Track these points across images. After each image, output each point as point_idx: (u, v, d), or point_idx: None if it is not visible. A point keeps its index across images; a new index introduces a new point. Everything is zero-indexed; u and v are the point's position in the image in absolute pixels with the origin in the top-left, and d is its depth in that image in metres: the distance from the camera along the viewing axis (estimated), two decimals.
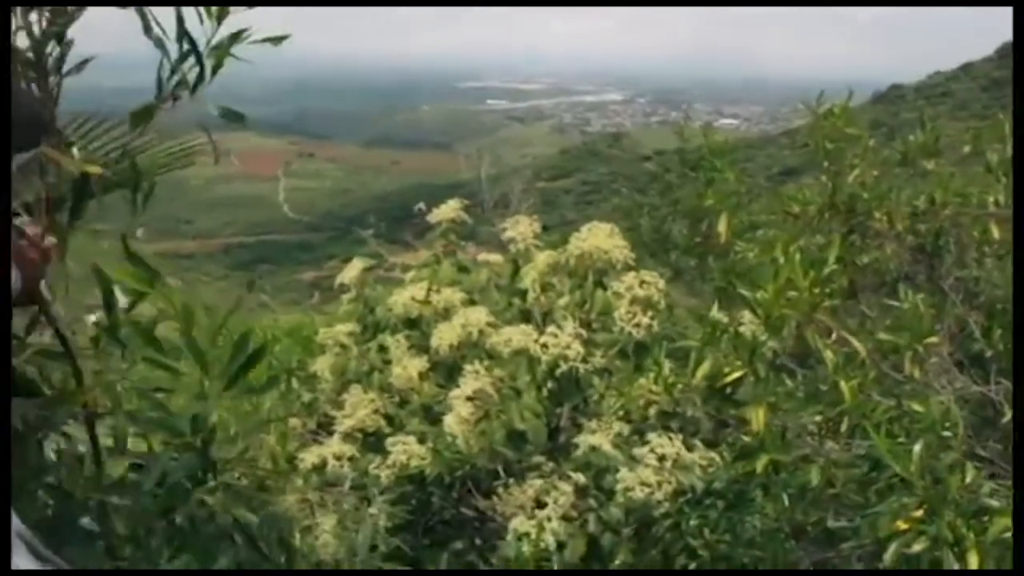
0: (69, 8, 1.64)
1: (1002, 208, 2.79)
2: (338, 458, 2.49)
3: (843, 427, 2.05)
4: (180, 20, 1.68)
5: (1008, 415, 2.20)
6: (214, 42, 1.73)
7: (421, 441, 2.47)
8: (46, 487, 1.72)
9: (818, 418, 2.15)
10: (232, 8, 1.73)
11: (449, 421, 2.40)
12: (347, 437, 2.62)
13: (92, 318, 1.76)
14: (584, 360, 2.43)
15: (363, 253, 3.35)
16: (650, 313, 2.51)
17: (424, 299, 2.84)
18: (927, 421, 1.90)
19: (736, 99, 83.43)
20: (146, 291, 1.69)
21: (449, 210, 3.06)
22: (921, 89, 43.51)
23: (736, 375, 2.16)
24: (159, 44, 1.70)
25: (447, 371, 2.67)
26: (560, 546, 2.22)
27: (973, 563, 1.64)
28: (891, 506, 1.80)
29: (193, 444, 1.75)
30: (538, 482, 2.34)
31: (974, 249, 2.98)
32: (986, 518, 1.70)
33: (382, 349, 2.88)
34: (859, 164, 3.10)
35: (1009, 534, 1.64)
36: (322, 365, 2.96)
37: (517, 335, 2.46)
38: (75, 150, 1.68)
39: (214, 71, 1.75)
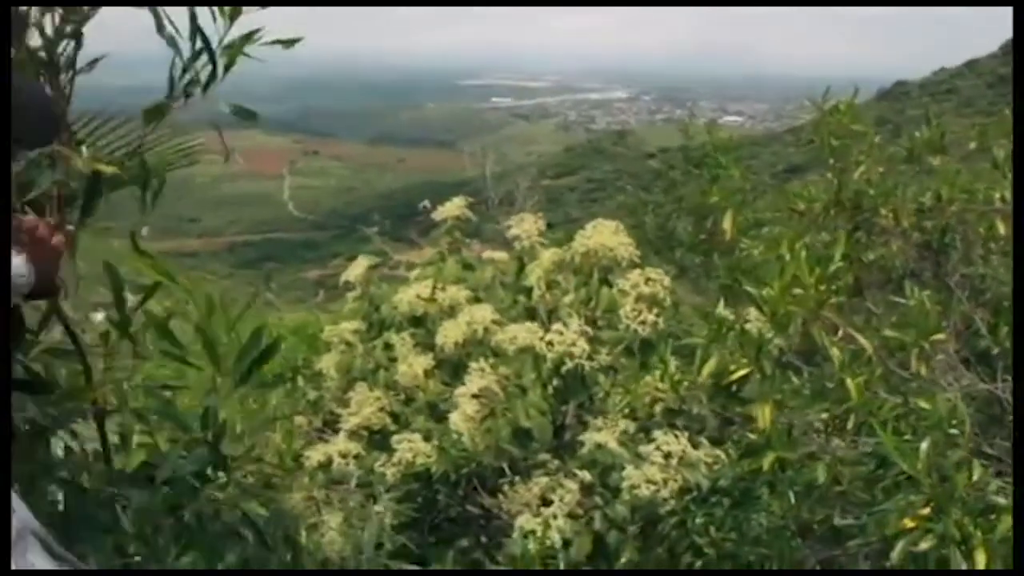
0: (85, 7, 1.64)
1: (1008, 204, 2.78)
2: (344, 456, 2.50)
3: (849, 424, 2.04)
4: (193, 18, 1.69)
5: None
6: (226, 41, 1.73)
7: (427, 439, 2.48)
8: (58, 482, 1.72)
9: (824, 415, 2.14)
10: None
11: (455, 419, 2.40)
12: (353, 435, 2.63)
13: (100, 316, 1.77)
14: (590, 357, 2.44)
15: (368, 251, 3.35)
16: (655, 310, 2.51)
17: (429, 297, 2.85)
18: (934, 418, 1.89)
19: (740, 96, 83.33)
20: (165, 281, 1.69)
21: (454, 208, 3.06)
22: (926, 86, 43.37)
23: (742, 372, 2.16)
24: (172, 43, 1.70)
25: (452, 369, 2.68)
26: (566, 544, 2.23)
27: (980, 561, 1.63)
28: (898, 504, 1.80)
29: (203, 440, 1.76)
30: (544, 480, 2.35)
31: (980, 245, 2.96)
32: (993, 516, 1.69)
33: (387, 347, 2.88)
34: (865, 161, 3.09)
35: None
36: (328, 363, 2.97)
37: (522, 333, 2.46)
38: (84, 148, 1.69)
39: (226, 69, 1.75)
